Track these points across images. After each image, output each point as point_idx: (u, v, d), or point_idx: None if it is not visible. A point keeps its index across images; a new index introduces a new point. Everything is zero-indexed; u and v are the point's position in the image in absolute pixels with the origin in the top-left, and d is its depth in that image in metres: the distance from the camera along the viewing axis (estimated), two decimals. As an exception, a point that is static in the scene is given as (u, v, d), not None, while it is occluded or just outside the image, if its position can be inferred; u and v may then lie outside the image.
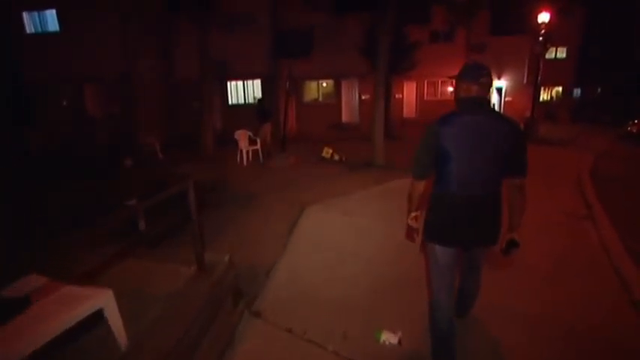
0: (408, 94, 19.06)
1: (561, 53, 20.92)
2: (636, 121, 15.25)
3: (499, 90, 21.87)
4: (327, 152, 8.55)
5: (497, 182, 1.92)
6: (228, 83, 14.97)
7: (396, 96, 18.40)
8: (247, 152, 8.81)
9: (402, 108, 18.88)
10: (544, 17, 12.14)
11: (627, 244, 3.93)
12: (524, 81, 21.38)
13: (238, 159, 8.73)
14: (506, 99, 21.70)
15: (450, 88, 19.27)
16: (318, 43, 15.88)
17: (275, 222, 4.72)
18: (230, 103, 15.18)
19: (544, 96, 23.50)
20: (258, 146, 9.03)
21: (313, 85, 17.57)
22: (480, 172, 1.86)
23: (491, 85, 1.89)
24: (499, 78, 21.37)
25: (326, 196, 5.67)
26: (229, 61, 13.38)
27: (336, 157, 8.46)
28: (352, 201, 5.49)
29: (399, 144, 11.81)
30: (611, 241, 3.98)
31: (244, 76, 14.59)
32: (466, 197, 1.88)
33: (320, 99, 17.57)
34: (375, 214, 4.93)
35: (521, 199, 1.92)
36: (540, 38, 12.39)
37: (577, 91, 24.78)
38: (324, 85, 17.66)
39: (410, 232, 2.22)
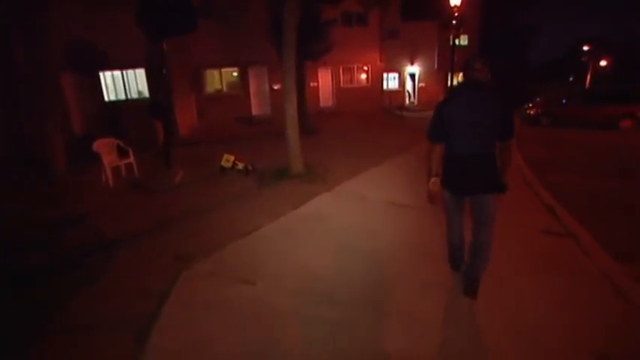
0: (324, 82, 17.66)
1: (464, 41, 21.54)
2: (531, 105, 16.06)
3: (412, 76, 21.88)
4: (227, 161, 6.54)
5: (492, 144, 2.44)
6: (102, 74, 11.71)
7: (311, 84, 16.86)
8: (114, 169, 6.34)
9: (319, 97, 17.44)
10: (456, 0, 11.62)
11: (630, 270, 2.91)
12: (435, 67, 21.70)
13: (103, 179, 6.23)
14: (420, 84, 21.84)
15: (364, 75, 18.47)
16: (219, 25, 13.44)
17: (122, 324, 2.69)
18: (107, 99, 11.92)
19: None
20: (132, 159, 6.60)
21: (216, 74, 15.08)
22: (476, 136, 2.41)
23: (485, 71, 2.42)
24: (412, 64, 21.28)
25: (223, 238, 3.76)
26: (100, 46, 10.28)
27: (240, 167, 6.51)
28: (260, 248, 3.67)
29: (319, 139, 10.32)
30: (612, 271, 2.90)
31: (122, 65, 11.50)
32: (467, 155, 2.45)
33: (224, 89, 15.15)
34: (296, 275, 3.20)
35: (509, 155, 2.54)
36: (454, 22, 11.90)
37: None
38: (235, 74, 15.31)
39: (430, 196, 2.61)
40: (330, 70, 17.58)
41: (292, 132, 6.13)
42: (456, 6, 11.66)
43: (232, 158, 6.56)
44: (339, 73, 17.79)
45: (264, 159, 7.36)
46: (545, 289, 2.79)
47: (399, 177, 6.06)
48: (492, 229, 2.54)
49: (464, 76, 2.51)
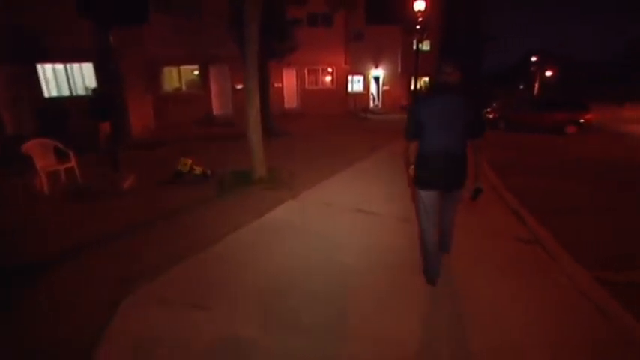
0: (288, 82, 17.34)
1: (426, 46, 22.15)
2: (489, 109, 16.71)
3: (377, 79, 22.15)
4: (184, 165, 6.02)
5: (462, 143, 2.57)
6: (41, 67, 10.57)
7: (276, 85, 16.48)
8: (51, 174, 5.62)
9: (283, 98, 17.09)
10: (420, 5, 11.79)
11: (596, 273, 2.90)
12: (399, 70, 22.12)
13: (37, 185, 5.48)
14: (384, 88, 22.16)
15: (329, 77, 18.37)
16: (177, 19, 12.67)
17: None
18: (48, 95, 10.78)
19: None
20: (73, 163, 5.89)
21: (174, 71, 14.24)
22: (448, 136, 2.54)
23: (457, 74, 2.53)
24: (377, 67, 21.53)
25: (174, 255, 3.33)
26: (38, 33, 9.24)
27: (198, 172, 6.02)
28: (217, 266, 3.29)
29: (284, 142, 9.99)
30: (581, 279, 2.86)
31: (64, 57, 10.45)
32: (441, 153, 2.56)
33: (184, 88, 14.36)
34: (257, 296, 2.86)
35: (481, 154, 2.71)
36: (418, 27, 12.07)
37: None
38: (195, 72, 14.53)
39: (410, 180, 2.78)
40: (295, 71, 17.29)
41: (255, 135, 5.76)
42: (420, 11, 11.83)
43: (190, 162, 6.05)
44: (304, 75, 17.56)
45: (225, 163, 6.91)
46: (519, 296, 2.71)
47: (366, 182, 5.89)
48: (456, 216, 2.96)
49: (436, 78, 2.61)
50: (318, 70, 17.88)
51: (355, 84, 21.32)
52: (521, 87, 46.15)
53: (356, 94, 20.47)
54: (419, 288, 2.81)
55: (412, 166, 2.71)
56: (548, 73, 41.56)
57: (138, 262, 3.28)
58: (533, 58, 41.08)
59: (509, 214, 4.50)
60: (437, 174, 2.60)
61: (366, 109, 19.13)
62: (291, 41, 11.32)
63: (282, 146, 9.32)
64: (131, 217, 4.47)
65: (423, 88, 24.75)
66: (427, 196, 2.67)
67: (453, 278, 2.98)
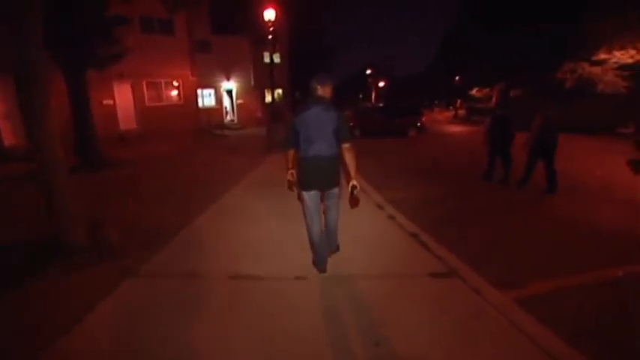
0: (123, 99, 14.20)
1: (277, 58, 21.93)
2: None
3: (229, 92, 20.68)
4: None
5: (334, 147, 2.89)
6: None
7: (105, 102, 13.23)
8: None
9: (117, 118, 13.87)
10: (270, 15, 11.06)
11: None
12: (252, 83, 21.20)
13: None
14: (238, 101, 20.86)
15: (175, 92, 16.03)
16: None
17: None
18: None
19: (268, 97, 24.59)
20: None
21: None
22: (318, 141, 2.85)
23: (327, 89, 2.94)
24: (228, 80, 20.06)
25: None
26: None
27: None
28: None
29: (115, 176, 7.47)
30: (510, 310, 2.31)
31: None
32: (317, 157, 2.87)
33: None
34: None
35: (351, 156, 2.92)
36: (270, 37, 11.30)
37: (298, 94, 27.72)
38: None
39: (289, 185, 3.03)
40: (130, 85, 14.28)
41: (54, 176, 3.67)
42: (270, 20, 11.10)
43: None
44: (143, 89, 14.72)
45: (16, 225, 4.44)
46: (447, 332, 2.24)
47: (238, 228, 4.37)
48: (339, 216, 3.20)
49: (311, 94, 2.96)
50: (161, 83, 15.28)
51: (206, 98, 19.35)
52: (360, 96, 52.29)
53: (208, 110, 18.52)
54: None
55: (291, 170, 3.01)
56: (382, 84, 48.24)
57: None
58: (368, 71, 46.97)
59: (414, 245, 3.92)
60: (315, 176, 2.92)
61: (222, 125, 17.47)
62: (117, 46, 8.89)
63: (113, 183, 7.03)
64: None
65: (277, 100, 24.60)
66: (309, 195, 2.98)
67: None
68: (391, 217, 4.66)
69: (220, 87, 19.91)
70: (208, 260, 3.49)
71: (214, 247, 3.78)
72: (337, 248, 3.38)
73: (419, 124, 16.34)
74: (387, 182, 6.93)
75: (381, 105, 20.09)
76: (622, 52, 16.77)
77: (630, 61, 16.73)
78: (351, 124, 16.23)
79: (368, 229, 4.29)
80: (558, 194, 5.87)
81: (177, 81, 15.79)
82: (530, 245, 4.02)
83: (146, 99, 14.78)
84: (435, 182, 7.12)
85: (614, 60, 17.12)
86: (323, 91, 2.91)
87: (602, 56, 17.28)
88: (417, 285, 2.99)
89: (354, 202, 3.18)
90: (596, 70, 17.75)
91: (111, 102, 13.63)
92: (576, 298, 2.88)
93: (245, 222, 4.53)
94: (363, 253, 3.58)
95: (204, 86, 18.66)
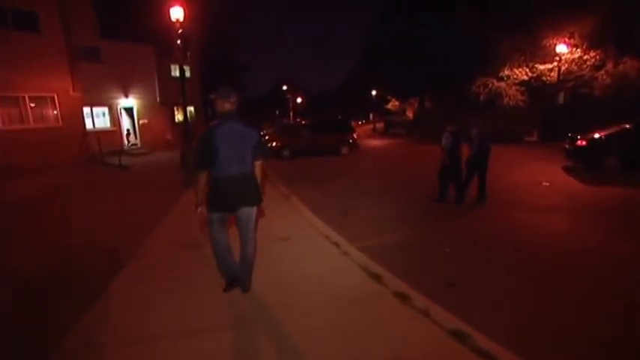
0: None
1: (188, 72, 19.23)
2: (269, 138, 15.79)
3: (129, 110, 17.18)
4: None
5: (249, 164, 2.78)
6: None
7: None
8: None
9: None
10: (177, 13, 8.83)
11: None
12: (158, 100, 18.02)
13: None
14: (141, 121, 17.46)
15: (52, 111, 12.39)
16: None
17: None
18: None
19: (179, 116, 21.47)
20: None
21: None
22: (236, 159, 2.69)
23: (236, 103, 2.73)
24: (127, 96, 16.62)
25: None
26: None
27: None
28: None
29: None
30: None
31: None
32: (229, 176, 2.69)
33: None
34: None
35: (262, 172, 2.92)
36: (178, 41, 9.03)
37: (210, 111, 24.88)
38: None
39: (201, 225, 2.77)
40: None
41: None
42: (178, 20, 8.86)
43: None
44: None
45: None
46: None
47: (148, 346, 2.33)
48: (255, 237, 2.94)
49: (218, 108, 2.73)
50: (23, 99, 11.48)
51: (98, 118, 15.67)
52: (277, 112, 51.02)
53: (100, 133, 14.79)
54: None
55: (201, 207, 2.71)
56: (299, 100, 47.62)
57: None
58: (285, 87, 45.99)
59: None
60: (232, 196, 2.73)
61: (120, 151, 14.02)
62: None
63: None
64: None
65: (190, 119, 21.66)
66: (220, 217, 2.78)
67: None
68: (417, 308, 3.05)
69: (117, 105, 16.39)
70: None
71: None
72: (249, 288, 3.03)
73: (351, 140, 15.43)
74: (347, 219, 5.46)
75: (304, 122, 19.08)
76: (520, 69, 18.59)
77: (525, 78, 18.65)
78: (278, 143, 14.61)
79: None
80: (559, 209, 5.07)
81: (52, 96, 12.17)
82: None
83: (3, 120, 10.91)
84: (406, 215, 5.83)
85: (514, 76, 18.90)
86: (230, 104, 2.73)
87: (507, 72, 18.86)
88: None
89: (259, 214, 2.95)
90: (502, 84, 19.37)
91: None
92: None
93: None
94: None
95: (93, 103, 15.06)
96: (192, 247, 4.10)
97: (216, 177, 2.69)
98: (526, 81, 18.72)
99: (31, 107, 11.66)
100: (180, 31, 8.91)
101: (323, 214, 5.50)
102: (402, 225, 5.36)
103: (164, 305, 2.92)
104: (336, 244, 4.09)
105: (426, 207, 6.33)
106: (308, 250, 3.99)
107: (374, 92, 32.47)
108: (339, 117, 24.77)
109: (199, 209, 2.70)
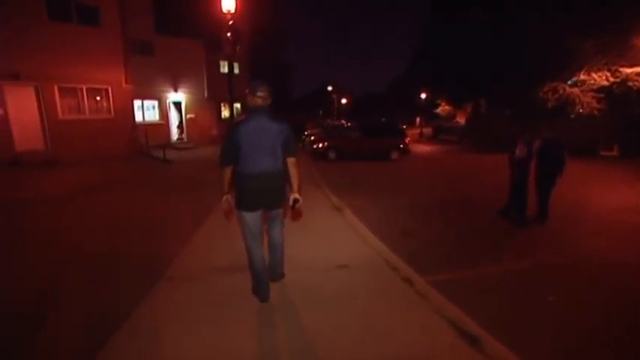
0: (23, 108, 10.47)
1: (236, 69, 19.15)
2: (315, 139, 15.17)
3: (178, 105, 17.33)
4: None
5: (279, 162, 2.68)
6: None
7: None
8: None
9: (11, 135, 10.10)
10: (229, 4, 8.36)
11: None
12: (205, 95, 18.06)
13: None
14: (189, 116, 17.56)
15: (104, 102, 12.58)
16: None
17: None
18: None
19: (225, 113, 21.54)
20: None
21: None
22: (263, 155, 2.61)
23: (268, 97, 2.67)
24: (176, 90, 16.74)
25: None
26: None
27: None
28: None
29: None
30: None
31: None
32: (260, 175, 2.63)
33: None
34: None
35: (296, 170, 2.76)
36: (228, 34, 8.57)
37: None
38: None
39: (225, 213, 2.92)
40: (34, 90, 10.64)
41: None
42: (229, 12, 8.39)
43: None
44: (54, 96, 11.07)
45: None
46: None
47: None
48: (283, 231, 2.98)
49: (249, 102, 2.66)
50: (81, 89, 11.67)
51: (147, 111, 15.87)
52: (321, 112, 50.63)
53: (149, 126, 14.93)
54: None
55: (227, 196, 2.71)
56: (344, 101, 46.86)
57: None
58: (330, 88, 45.46)
59: None
60: (258, 194, 2.66)
61: (166, 144, 14.01)
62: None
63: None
64: None
65: (236, 116, 21.61)
66: (250, 217, 2.69)
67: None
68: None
69: (166, 98, 16.55)
70: None
71: None
72: (282, 275, 3.12)
73: (402, 146, 14.33)
74: (410, 241, 4.56)
75: (349, 124, 18.05)
76: (599, 73, 16.38)
77: (606, 83, 16.41)
78: (324, 144, 13.90)
79: None
80: None
81: (106, 87, 12.33)
82: None
83: (59, 110, 11.15)
84: (480, 240, 4.76)
85: (591, 81, 16.70)
86: (263, 99, 2.64)
87: (582, 77, 16.72)
88: None
89: (296, 215, 2.97)
90: (576, 91, 17.20)
91: (1, 112, 9.92)
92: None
93: None
94: None
95: (144, 96, 15.25)
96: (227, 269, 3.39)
97: (241, 174, 2.65)
98: (606, 87, 16.47)
99: (87, 98, 11.85)
100: (231, 22, 8.40)
101: (381, 231, 4.64)
102: (477, 254, 4.37)
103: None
104: (408, 281, 3.19)
105: (504, 231, 5.25)
106: (373, 286, 3.15)
107: (423, 95, 30.74)
108: (383, 120, 23.65)
109: (224, 197, 2.71)
